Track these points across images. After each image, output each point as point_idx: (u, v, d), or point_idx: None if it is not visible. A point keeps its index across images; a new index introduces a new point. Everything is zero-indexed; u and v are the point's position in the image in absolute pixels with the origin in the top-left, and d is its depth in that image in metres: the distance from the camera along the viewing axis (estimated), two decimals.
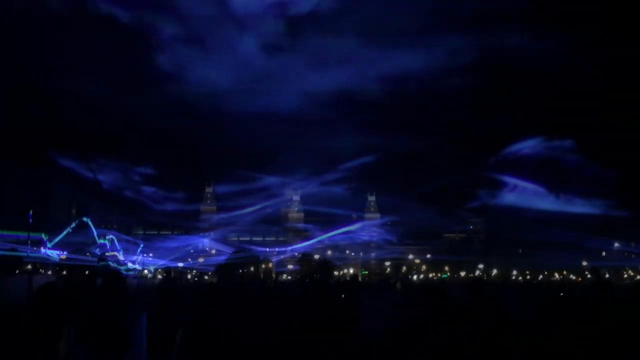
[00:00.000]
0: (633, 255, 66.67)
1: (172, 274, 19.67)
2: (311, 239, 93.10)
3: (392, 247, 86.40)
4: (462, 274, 71.19)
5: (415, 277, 63.41)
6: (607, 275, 52.47)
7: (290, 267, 73.69)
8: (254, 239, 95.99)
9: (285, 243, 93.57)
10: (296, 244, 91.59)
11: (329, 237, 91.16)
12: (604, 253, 71.50)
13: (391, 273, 60.00)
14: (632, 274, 62.46)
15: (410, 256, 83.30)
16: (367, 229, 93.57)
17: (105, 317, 5.06)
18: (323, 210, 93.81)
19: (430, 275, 70.52)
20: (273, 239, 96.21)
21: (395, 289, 14.60)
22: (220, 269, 9.19)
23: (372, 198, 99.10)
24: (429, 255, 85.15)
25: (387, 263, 77.23)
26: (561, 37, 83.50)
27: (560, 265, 66.44)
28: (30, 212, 42.44)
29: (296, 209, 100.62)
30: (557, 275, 63.35)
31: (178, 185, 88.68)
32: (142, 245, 67.02)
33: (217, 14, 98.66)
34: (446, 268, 78.17)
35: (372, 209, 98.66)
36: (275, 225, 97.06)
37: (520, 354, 5.77)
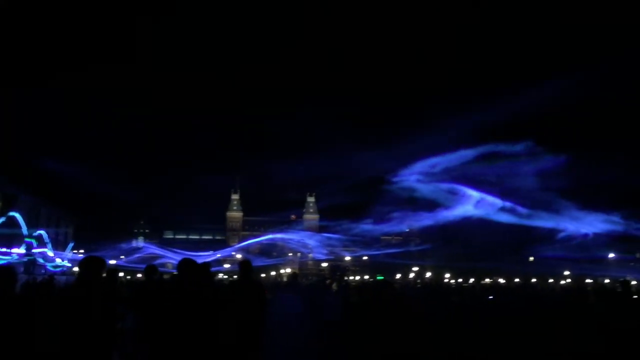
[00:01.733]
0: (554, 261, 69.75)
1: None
2: (250, 239, 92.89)
3: (331, 248, 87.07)
4: (398, 276, 72.38)
5: (352, 278, 64.05)
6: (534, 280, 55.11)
7: (227, 266, 73.08)
8: (191, 237, 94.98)
9: (224, 243, 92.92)
10: (236, 243, 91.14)
11: (268, 238, 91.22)
12: (531, 258, 74.86)
13: (328, 274, 60.48)
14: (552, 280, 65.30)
15: (348, 258, 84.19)
16: (306, 229, 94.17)
17: None
18: (263, 210, 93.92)
19: (367, 277, 71.33)
20: (210, 237, 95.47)
21: (331, 290, 14.82)
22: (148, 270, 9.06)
23: (311, 199, 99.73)
24: (365, 258, 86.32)
25: (325, 264, 77.75)
26: None
27: (493, 269, 68.97)
28: None
29: (235, 208, 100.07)
30: (487, 279, 65.45)
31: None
32: (72, 243, 64.79)
33: None
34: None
35: (311, 210, 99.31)
36: (215, 224, 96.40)
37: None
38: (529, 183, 66.23)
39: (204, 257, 56.99)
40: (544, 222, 67.29)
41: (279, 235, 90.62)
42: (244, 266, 7.79)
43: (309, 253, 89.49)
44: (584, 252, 68.23)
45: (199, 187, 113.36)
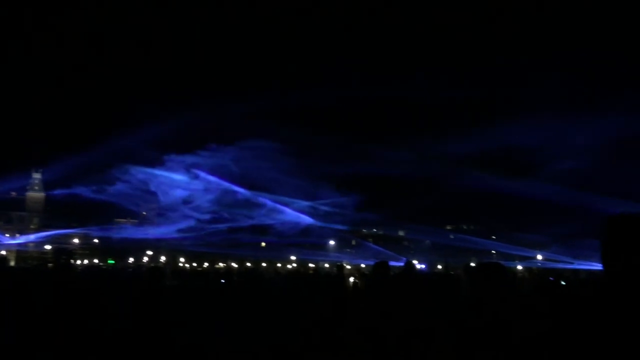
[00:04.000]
0: None
1: None
2: None
3: (56, 230, 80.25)
4: (131, 260, 70.16)
5: (79, 262, 60.07)
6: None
7: None
8: None
9: None
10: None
11: None
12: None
13: (51, 258, 55.65)
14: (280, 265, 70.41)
15: (76, 240, 78.47)
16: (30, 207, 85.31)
17: None
18: None
19: (96, 261, 67.54)
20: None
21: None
22: None
23: (37, 175, 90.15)
24: (96, 241, 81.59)
25: (48, 247, 71.28)
26: None
27: (227, 255, 71.62)
28: None
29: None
30: (221, 264, 67.53)
31: None
32: None
33: None
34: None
35: (37, 187, 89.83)
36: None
37: None
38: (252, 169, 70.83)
39: None
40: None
41: None
42: None
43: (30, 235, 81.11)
44: (309, 239, 75.21)
45: None
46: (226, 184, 71.99)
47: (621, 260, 2.29)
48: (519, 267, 54.63)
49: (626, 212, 2.41)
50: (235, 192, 72.58)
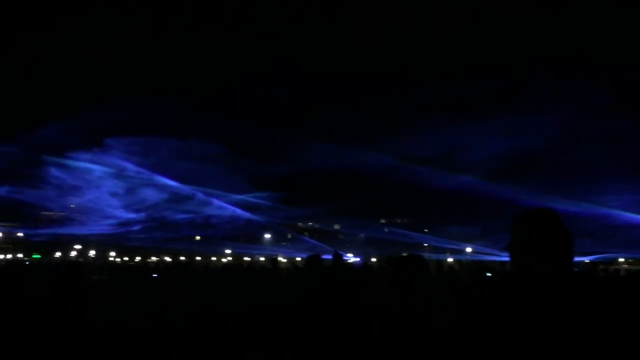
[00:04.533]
0: None
1: None
2: None
3: None
4: (58, 254, 67.73)
5: (1, 256, 57.57)
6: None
7: None
8: None
9: None
10: None
11: None
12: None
13: None
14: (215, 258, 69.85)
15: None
16: None
17: None
18: None
19: (20, 256, 64.76)
20: None
21: None
22: None
23: None
24: (20, 235, 78.17)
25: None
26: None
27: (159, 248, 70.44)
28: None
29: None
30: (153, 257, 66.28)
31: None
32: None
33: None
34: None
35: None
36: None
37: None
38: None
39: None
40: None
41: None
42: None
43: None
44: (243, 232, 75.08)
45: None
46: (158, 177, 70.64)
47: (523, 257, 2.41)
48: (450, 260, 56.34)
49: (531, 209, 2.51)
50: (168, 185, 71.37)
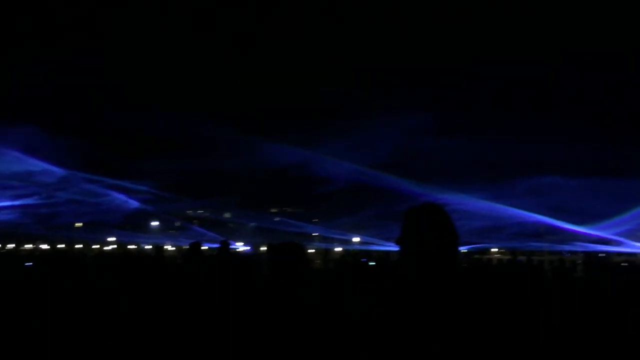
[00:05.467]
0: None
1: None
2: None
3: None
4: None
5: None
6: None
7: None
8: None
9: None
10: None
11: None
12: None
13: None
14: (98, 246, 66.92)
15: None
16: None
17: None
18: None
19: None
20: None
21: None
22: None
23: None
24: None
25: None
26: None
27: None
28: None
29: None
30: (28, 245, 62.53)
31: None
32: None
33: None
34: None
35: None
36: None
37: None
38: None
39: None
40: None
41: None
42: None
43: None
44: (130, 220, 72.57)
45: None
46: (37, 161, 66.16)
47: (410, 249, 2.58)
48: (338, 249, 57.78)
49: (420, 204, 2.69)
50: (48, 170, 67.14)
